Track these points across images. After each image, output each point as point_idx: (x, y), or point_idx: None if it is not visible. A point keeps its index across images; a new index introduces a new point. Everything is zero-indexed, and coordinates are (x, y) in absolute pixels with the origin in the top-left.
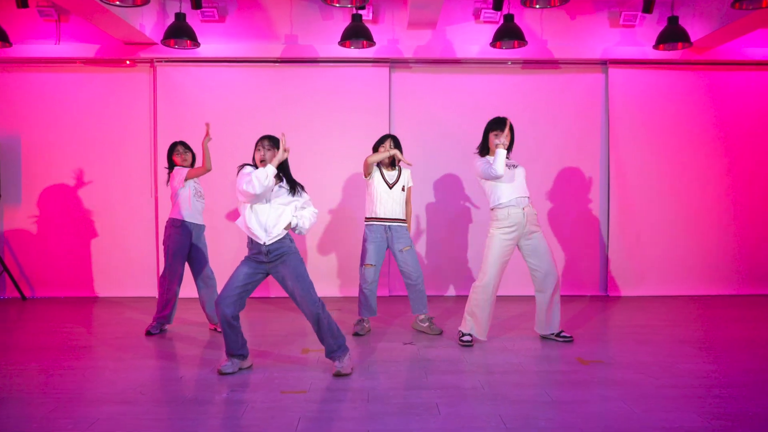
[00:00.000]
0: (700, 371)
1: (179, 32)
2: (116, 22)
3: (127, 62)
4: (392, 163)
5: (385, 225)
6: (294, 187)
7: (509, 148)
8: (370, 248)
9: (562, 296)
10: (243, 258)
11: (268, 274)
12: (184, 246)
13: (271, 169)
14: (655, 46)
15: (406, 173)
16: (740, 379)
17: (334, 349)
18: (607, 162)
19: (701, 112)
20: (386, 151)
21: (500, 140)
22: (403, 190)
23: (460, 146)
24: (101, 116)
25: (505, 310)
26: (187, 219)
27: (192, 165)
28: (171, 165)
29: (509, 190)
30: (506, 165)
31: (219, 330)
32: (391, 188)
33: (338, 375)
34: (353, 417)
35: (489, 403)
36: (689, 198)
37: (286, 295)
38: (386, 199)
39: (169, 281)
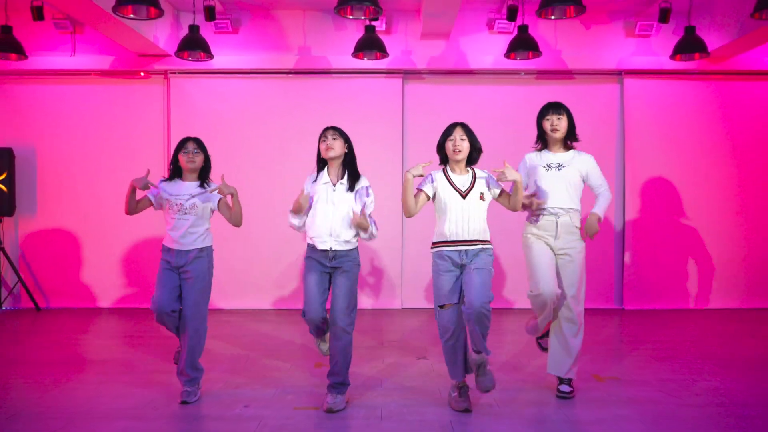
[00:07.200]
0: (721, 390)
1: (193, 44)
2: (130, 34)
3: (142, 74)
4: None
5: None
6: (353, 184)
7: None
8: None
9: None
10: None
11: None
12: None
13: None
14: (672, 57)
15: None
16: (763, 399)
17: (344, 375)
18: (622, 174)
19: (718, 122)
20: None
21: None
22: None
23: None
24: (115, 127)
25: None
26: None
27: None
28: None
29: None
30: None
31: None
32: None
33: (330, 411)
34: None
35: (506, 422)
36: (706, 210)
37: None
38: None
39: None
